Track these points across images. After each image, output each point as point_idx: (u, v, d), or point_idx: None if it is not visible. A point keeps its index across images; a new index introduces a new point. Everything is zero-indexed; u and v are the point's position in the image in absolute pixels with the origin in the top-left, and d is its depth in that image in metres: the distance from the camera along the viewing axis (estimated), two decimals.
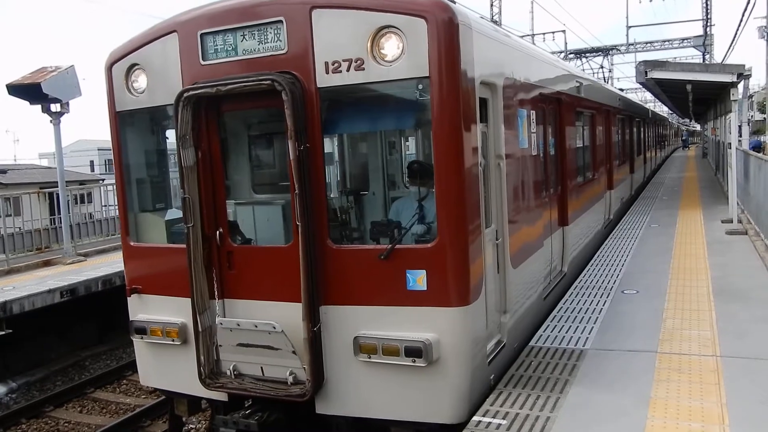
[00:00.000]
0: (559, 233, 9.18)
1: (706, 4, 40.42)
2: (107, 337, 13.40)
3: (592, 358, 6.49)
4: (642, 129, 24.94)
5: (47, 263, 14.84)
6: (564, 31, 52.22)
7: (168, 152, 7.08)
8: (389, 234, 5.79)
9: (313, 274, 5.47)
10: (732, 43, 42.18)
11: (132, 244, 6.67)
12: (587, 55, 40.90)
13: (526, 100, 7.35)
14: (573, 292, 9.10)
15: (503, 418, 5.21)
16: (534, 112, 7.62)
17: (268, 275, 5.85)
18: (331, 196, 6.19)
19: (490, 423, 5.15)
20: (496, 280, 6.23)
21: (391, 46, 5.24)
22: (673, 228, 14.25)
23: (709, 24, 40.23)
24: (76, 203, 17.27)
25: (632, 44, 41.85)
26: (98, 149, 66.43)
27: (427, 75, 5.17)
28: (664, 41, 41.81)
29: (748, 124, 26.39)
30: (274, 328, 5.55)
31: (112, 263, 13.95)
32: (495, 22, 30.68)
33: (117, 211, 8.47)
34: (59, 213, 15.88)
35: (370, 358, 5.41)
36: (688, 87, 16.66)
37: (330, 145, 7.78)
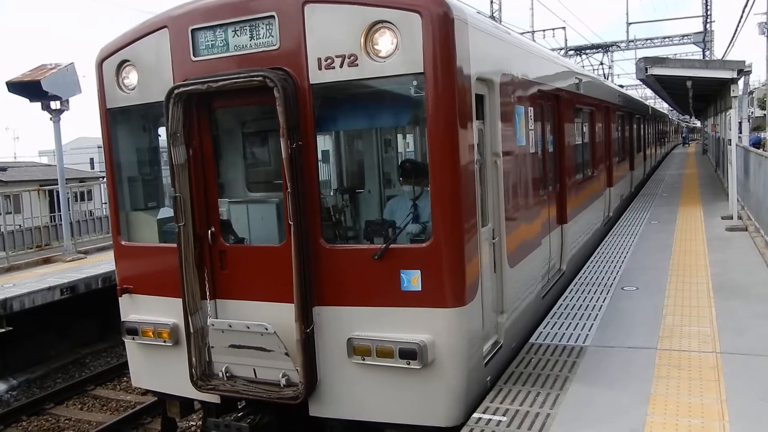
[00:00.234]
0: (558, 231, 9.09)
1: (706, 1, 40.31)
2: (107, 335, 13.37)
3: (593, 355, 6.48)
4: (642, 126, 24.87)
5: (47, 261, 14.87)
6: (564, 28, 52.26)
7: (160, 150, 6.98)
8: (383, 233, 5.69)
9: (305, 274, 5.38)
10: (732, 39, 42.13)
11: (123, 243, 6.59)
12: (587, 51, 40.73)
13: (524, 96, 7.24)
14: (573, 288, 9.08)
15: (503, 415, 5.20)
16: (532, 109, 7.52)
17: (261, 275, 5.76)
18: (325, 194, 6.10)
19: (490, 420, 5.14)
20: (493, 279, 6.13)
21: (385, 42, 5.15)
22: (673, 225, 14.22)
23: (709, 20, 40.18)
24: (76, 201, 17.32)
25: (632, 41, 41.79)
26: (98, 147, 65.45)
27: (422, 71, 5.06)
28: (664, 38, 41.72)
29: (749, 121, 26.30)
30: (267, 329, 5.46)
31: (112, 261, 13.75)
32: (493, 17, 30.55)
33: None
34: (59, 210, 15.91)
35: (364, 360, 5.32)
36: (688, 83, 16.59)
37: (323, 143, 7.68)
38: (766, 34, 25.94)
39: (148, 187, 7.08)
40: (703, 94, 22.11)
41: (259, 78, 5.30)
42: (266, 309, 5.66)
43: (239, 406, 6.18)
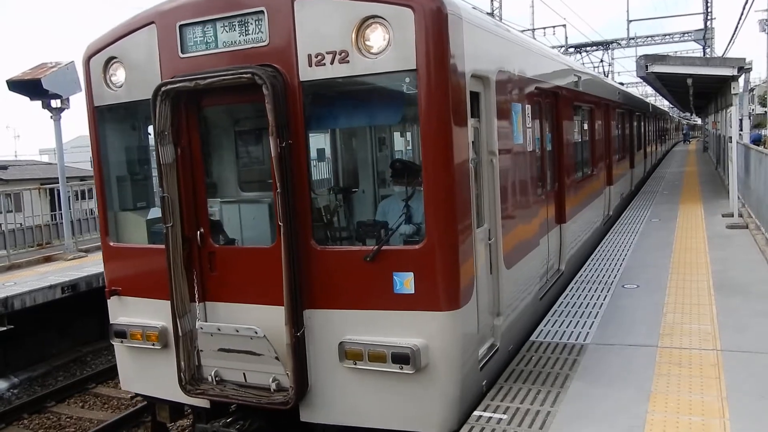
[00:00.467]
0: (556, 231, 8.96)
1: None
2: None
3: (593, 353, 6.48)
4: (642, 123, 24.75)
5: (48, 259, 14.82)
6: (564, 26, 52.02)
7: (149, 148, 6.84)
8: (375, 234, 5.55)
9: (295, 276, 5.25)
10: (732, 36, 42.04)
11: (111, 244, 6.46)
12: (587, 49, 40.59)
13: (522, 94, 7.10)
14: (573, 286, 9.06)
15: (504, 413, 5.19)
16: (530, 106, 7.37)
17: (251, 277, 5.62)
18: (316, 194, 5.97)
19: (490, 418, 5.11)
20: (489, 281, 6.00)
21: (376, 38, 5.01)
22: (674, 222, 14.19)
23: (709, 18, 39.96)
24: (77, 199, 17.19)
25: (633, 38, 41.52)
26: None
27: (415, 67, 4.93)
28: (665, 35, 41.46)
29: (749, 118, 26.15)
30: (256, 333, 5.32)
31: None
32: (492, 14, 30.40)
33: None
34: (60, 209, 15.82)
35: (355, 364, 5.18)
36: (689, 81, 16.52)
37: (314, 142, 7.54)
38: (766, 31, 25.78)
39: (137, 187, 6.94)
40: (703, 92, 21.99)
41: (248, 75, 5.16)
42: (256, 312, 5.53)
43: (231, 410, 6.05)
